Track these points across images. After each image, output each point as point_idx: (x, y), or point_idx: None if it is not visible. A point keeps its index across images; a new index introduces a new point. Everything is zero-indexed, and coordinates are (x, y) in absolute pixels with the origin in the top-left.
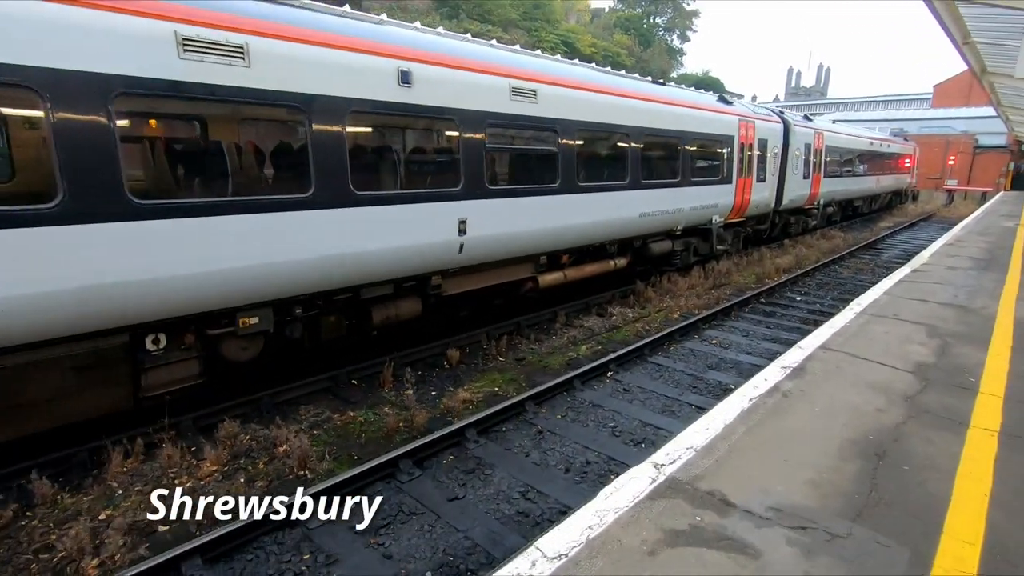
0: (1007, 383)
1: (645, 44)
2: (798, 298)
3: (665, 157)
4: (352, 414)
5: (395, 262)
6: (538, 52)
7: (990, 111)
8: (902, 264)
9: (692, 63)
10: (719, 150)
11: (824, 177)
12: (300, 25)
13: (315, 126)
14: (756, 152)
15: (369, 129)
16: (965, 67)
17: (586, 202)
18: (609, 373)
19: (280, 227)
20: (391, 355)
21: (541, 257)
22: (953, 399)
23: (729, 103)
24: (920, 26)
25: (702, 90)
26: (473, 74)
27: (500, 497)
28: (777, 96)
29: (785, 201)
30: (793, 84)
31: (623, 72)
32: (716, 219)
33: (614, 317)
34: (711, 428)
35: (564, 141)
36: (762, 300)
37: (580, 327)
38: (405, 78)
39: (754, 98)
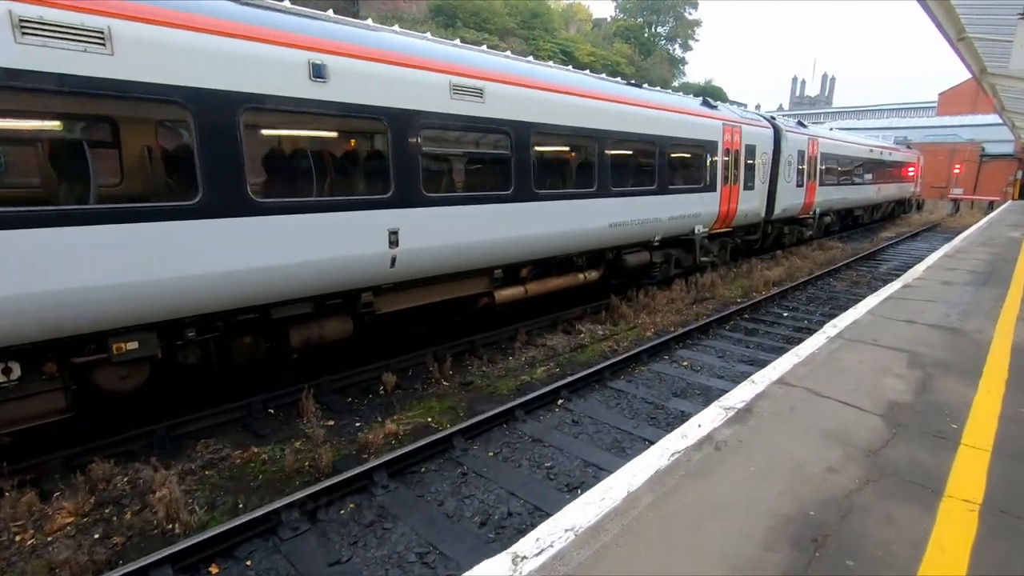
0: (997, 430)
1: (645, 53)
2: (785, 314)
3: (639, 163)
4: (256, 450)
5: (309, 278)
6: (485, 47)
7: (996, 119)
8: (901, 275)
9: (695, 72)
10: (701, 156)
11: (820, 185)
12: (181, 9)
13: (200, 124)
14: (743, 159)
15: (272, 129)
16: (967, 73)
17: (545, 211)
18: (560, 401)
19: (153, 239)
20: (320, 379)
21: (496, 271)
22: (927, 454)
23: (713, 107)
24: (925, 36)
25: (719, 102)
26: (404, 69)
27: (392, 561)
28: (781, 105)
29: (777, 210)
30: (798, 93)
31: (588, 72)
32: (699, 229)
33: (582, 335)
34: (608, 498)
35: (519, 145)
36: (745, 316)
37: (542, 346)
38: (318, 72)
39: (758, 107)
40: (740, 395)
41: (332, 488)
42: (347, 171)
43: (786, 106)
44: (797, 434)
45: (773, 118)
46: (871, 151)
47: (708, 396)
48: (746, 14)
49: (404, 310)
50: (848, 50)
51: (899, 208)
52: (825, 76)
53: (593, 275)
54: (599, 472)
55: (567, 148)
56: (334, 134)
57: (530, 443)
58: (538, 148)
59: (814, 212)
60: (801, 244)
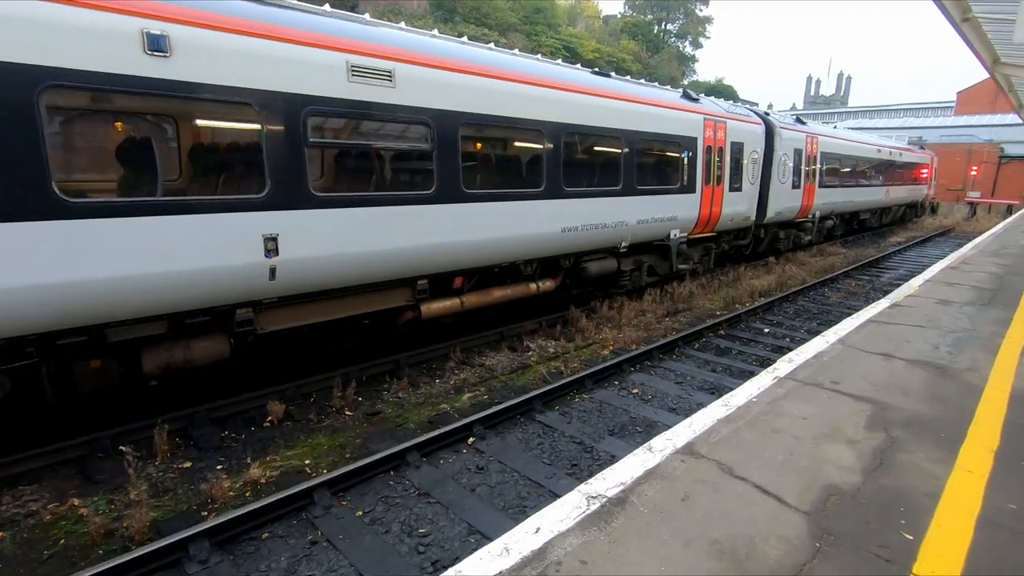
0: (970, 546)
1: (653, 50)
2: (766, 330)
3: (600, 160)
4: (76, 503)
5: (150, 294)
6: (398, 22)
7: (1017, 118)
8: (894, 291)
9: (705, 71)
10: (678, 154)
11: (820, 187)
12: None
13: None
14: (728, 157)
15: (90, 112)
16: (985, 71)
17: (479, 214)
18: (471, 439)
19: None
20: (199, 408)
21: (419, 281)
22: None
23: (694, 99)
24: (945, 34)
25: (702, 95)
26: (279, 44)
27: None
28: (794, 104)
29: (770, 213)
30: (812, 93)
31: (540, 56)
32: (675, 234)
33: (530, 352)
34: None
35: (443, 138)
36: (721, 332)
37: (479, 366)
38: (156, 44)
39: (770, 106)
40: (621, 473)
41: (128, 565)
42: (201, 166)
43: (800, 106)
44: (676, 547)
45: (767, 114)
46: (879, 151)
47: (650, 433)
48: (760, 11)
49: (317, 325)
50: (865, 49)
51: (911, 212)
52: (841, 75)
53: (548, 284)
54: (482, 541)
55: (507, 142)
56: (181, 121)
57: (414, 498)
58: (468, 142)
59: (813, 215)
60: (799, 250)
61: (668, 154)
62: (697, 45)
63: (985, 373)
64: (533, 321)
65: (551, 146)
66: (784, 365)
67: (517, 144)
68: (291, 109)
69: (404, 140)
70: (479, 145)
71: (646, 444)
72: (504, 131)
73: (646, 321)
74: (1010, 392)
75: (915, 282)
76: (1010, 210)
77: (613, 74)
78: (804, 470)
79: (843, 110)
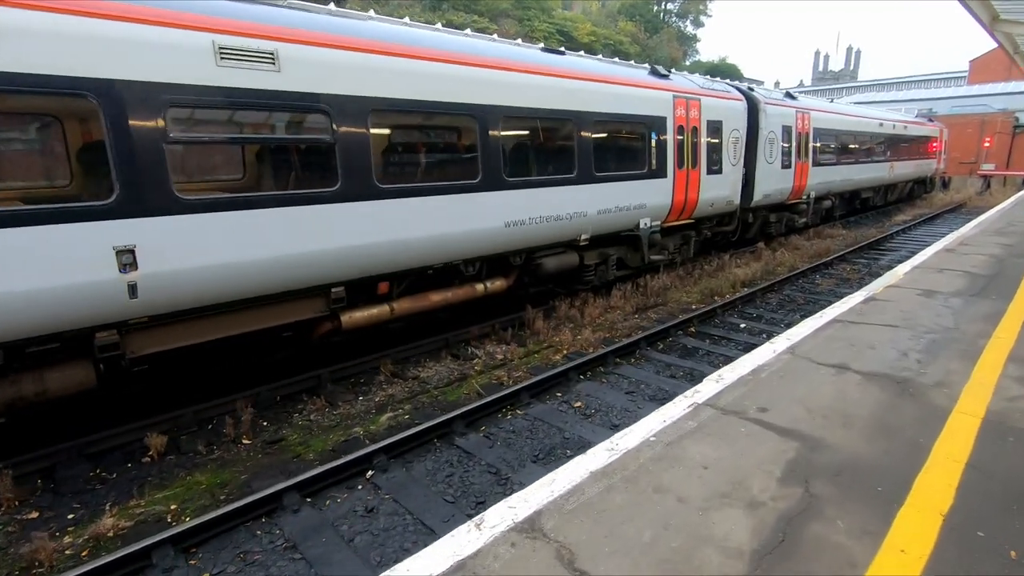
0: None
1: (652, 31)
2: (742, 324)
3: (548, 147)
4: None
5: None
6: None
7: None
8: (873, 280)
9: (708, 50)
10: (643, 135)
11: (814, 166)
12: None
13: None
14: (705, 137)
15: None
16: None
17: (398, 212)
18: (370, 473)
19: None
20: (74, 442)
21: (334, 289)
22: None
23: (663, 76)
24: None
25: (697, 74)
26: (120, 24)
27: None
28: (802, 81)
29: (757, 196)
30: (821, 68)
31: (469, 31)
32: (646, 223)
33: (475, 360)
34: None
35: (347, 127)
36: (691, 329)
37: (412, 379)
38: None
39: (777, 83)
40: (426, 564)
41: None
42: (25, 170)
43: (808, 82)
44: None
45: (751, 88)
46: (880, 125)
47: (630, 434)
48: None
49: (222, 341)
50: (875, 22)
51: (919, 188)
52: (850, 49)
53: (498, 285)
54: None
55: (431, 130)
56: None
57: (279, 552)
58: (382, 131)
59: (807, 196)
60: (793, 233)
61: (632, 136)
62: (698, 24)
63: (957, 389)
64: (485, 324)
65: (487, 132)
66: (708, 386)
67: (444, 131)
68: (143, 100)
69: (295, 131)
70: (396, 134)
71: (477, 518)
72: (427, 117)
73: (612, 320)
74: (983, 416)
75: (901, 269)
76: None
77: (566, 51)
78: (672, 556)
79: (850, 85)
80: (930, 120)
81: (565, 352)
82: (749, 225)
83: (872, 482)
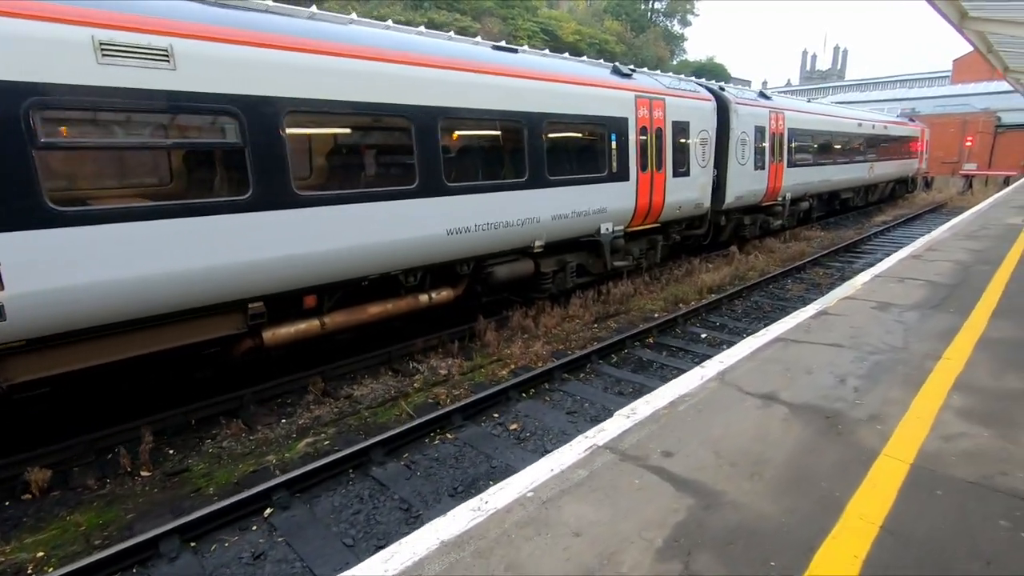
0: None
1: (638, 30)
2: (703, 335)
3: (495, 149)
4: None
5: None
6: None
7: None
8: (829, 291)
9: (696, 49)
10: (602, 137)
11: (789, 167)
12: None
13: None
14: (669, 138)
15: None
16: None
17: (320, 221)
18: (268, 511)
19: None
20: None
21: (252, 304)
22: None
23: (626, 75)
24: None
25: (667, 74)
26: None
27: None
28: (790, 80)
29: (729, 199)
30: (808, 68)
31: (423, 28)
32: (607, 228)
33: (417, 376)
34: None
35: (257, 131)
36: (649, 340)
37: (344, 398)
38: None
39: (764, 83)
40: None
41: None
42: None
43: (796, 81)
44: None
45: (722, 88)
46: (859, 125)
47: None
48: None
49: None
50: (862, 21)
51: (901, 188)
52: (837, 49)
53: (445, 295)
54: None
55: (358, 132)
56: None
57: None
58: (300, 134)
59: (783, 198)
60: (768, 235)
61: (590, 138)
62: (686, 23)
63: (891, 425)
64: (431, 336)
65: (424, 135)
66: (616, 423)
67: (374, 134)
68: (4, 102)
69: (197, 135)
70: (317, 138)
71: None
72: (354, 119)
73: (569, 330)
74: (912, 461)
75: (860, 279)
76: (1007, 181)
77: (521, 48)
78: None
79: (836, 84)
80: (911, 120)
81: (513, 366)
82: (722, 228)
83: (767, 553)
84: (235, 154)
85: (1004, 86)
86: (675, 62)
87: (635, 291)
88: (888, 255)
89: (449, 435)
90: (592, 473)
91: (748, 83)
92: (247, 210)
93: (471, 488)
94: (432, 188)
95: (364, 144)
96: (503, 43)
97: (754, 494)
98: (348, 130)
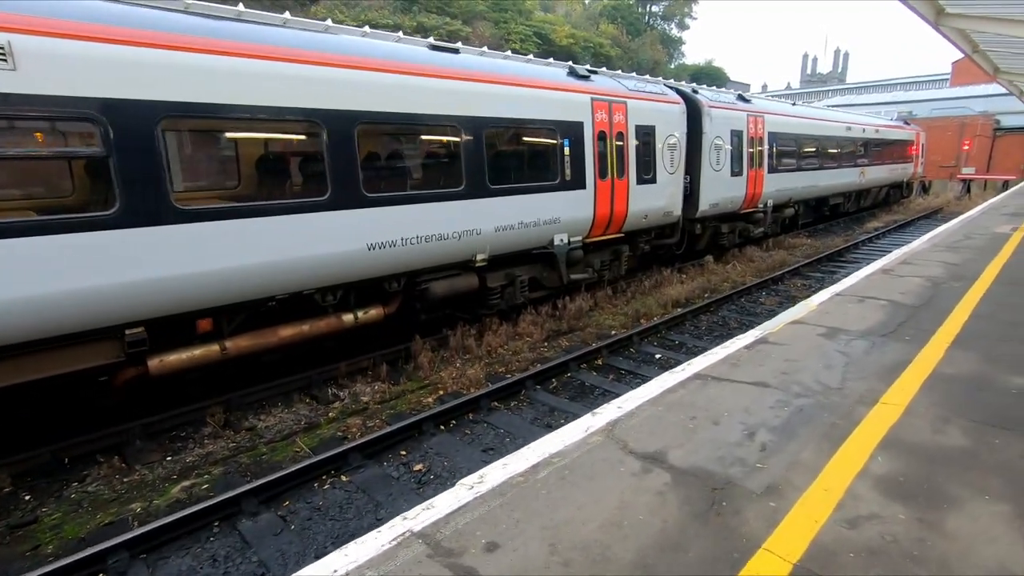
0: None
1: (635, 34)
2: (658, 355)
3: (426, 156)
4: None
5: None
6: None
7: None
8: (780, 312)
9: (694, 53)
10: (554, 143)
11: (770, 172)
12: None
13: None
14: (632, 143)
15: None
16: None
17: (205, 238)
18: None
19: None
20: None
21: (128, 331)
22: None
23: (584, 77)
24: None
25: (590, 68)
26: None
27: None
28: (789, 84)
29: (703, 206)
30: (809, 71)
31: (367, 28)
32: (561, 239)
33: (336, 404)
34: None
35: (124, 138)
36: (599, 361)
37: (246, 431)
38: None
39: (764, 87)
40: None
41: None
42: None
43: (796, 84)
44: None
45: (695, 90)
46: (848, 128)
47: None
48: None
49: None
50: (863, 24)
51: (896, 193)
52: (838, 52)
53: (374, 314)
54: None
55: (254, 140)
56: None
57: None
58: (181, 142)
59: (764, 204)
60: (750, 244)
61: (539, 144)
62: (684, 27)
63: (789, 500)
64: (363, 358)
65: (337, 142)
66: (450, 497)
67: (272, 141)
68: None
69: (47, 143)
70: (201, 146)
71: None
72: (247, 124)
73: (515, 349)
74: (799, 558)
75: (816, 298)
76: (1006, 186)
77: (463, 48)
78: None
79: (835, 88)
80: (907, 123)
81: (442, 392)
82: (698, 237)
83: None
84: (97, 164)
85: (1003, 88)
86: (672, 66)
87: (595, 305)
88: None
89: (344, 477)
90: None
91: (747, 87)
92: (113, 227)
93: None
94: (348, 200)
95: (262, 152)
96: (458, 44)
97: None
98: (241, 136)
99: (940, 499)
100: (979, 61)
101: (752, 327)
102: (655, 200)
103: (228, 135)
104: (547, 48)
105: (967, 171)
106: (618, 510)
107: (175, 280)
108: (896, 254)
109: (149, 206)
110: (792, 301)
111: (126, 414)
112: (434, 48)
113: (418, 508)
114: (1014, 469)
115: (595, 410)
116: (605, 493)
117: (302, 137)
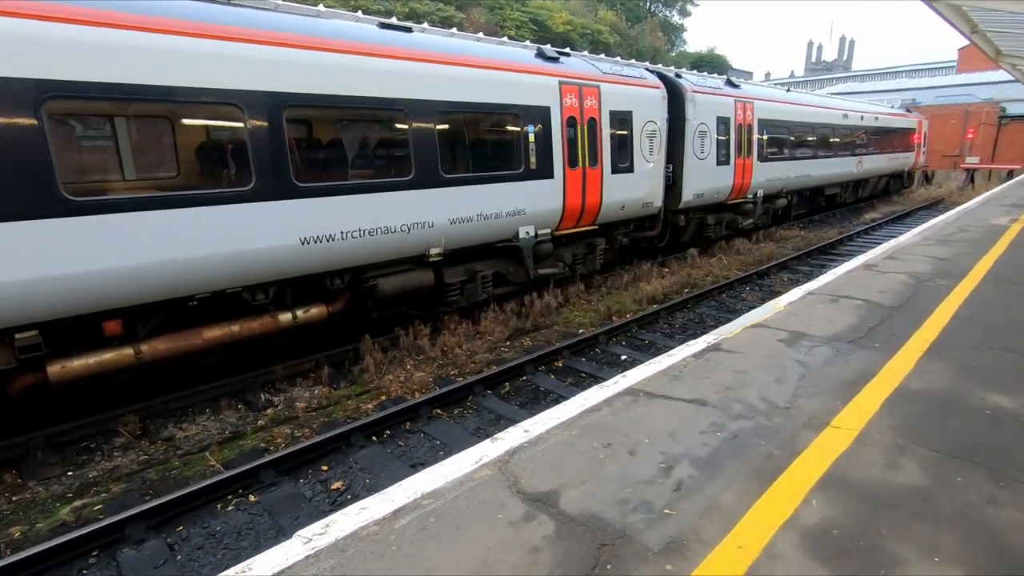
0: None
1: (635, 20)
2: (624, 356)
3: (368, 143)
4: None
5: None
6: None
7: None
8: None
9: (696, 40)
10: (516, 129)
11: (760, 161)
12: None
13: None
14: (606, 130)
15: None
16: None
17: (105, 232)
18: None
19: None
20: None
21: (18, 336)
22: None
23: (552, 59)
24: None
25: (629, 61)
26: None
27: None
28: (793, 72)
29: (687, 196)
30: (814, 59)
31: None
32: (527, 232)
33: (270, 411)
34: None
35: (12, 118)
36: (558, 362)
37: (163, 440)
38: None
39: (767, 75)
40: None
41: None
42: None
43: (800, 72)
44: None
45: (678, 75)
46: (844, 116)
47: None
48: None
49: None
50: (869, 10)
51: (897, 183)
52: (843, 39)
53: (316, 312)
54: None
55: (158, 122)
56: None
57: None
58: (68, 125)
59: (753, 195)
60: (739, 236)
61: (500, 130)
62: (685, 13)
63: (692, 562)
64: (298, 361)
65: (262, 126)
66: (278, 555)
67: (183, 126)
68: None
69: None
70: (96, 129)
71: None
72: (155, 107)
73: (473, 349)
74: None
75: (785, 298)
76: (1011, 175)
77: (416, 27)
78: None
79: (837, 76)
80: (909, 111)
81: (384, 398)
82: (682, 229)
83: None
84: None
85: (1008, 75)
86: (674, 53)
87: (566, 302)
88: (871, 259)
89: (252, 496)
90: None
91: (750, 75)
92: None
93: None
94: (276, 190)
95: (170, 137)
96: (424, 24)
97: None
98: (144, 119)
99: (878, 561)
100: (980, 43)
101: (727, 320)
102: (633, 190)
103: (124, 117)
104: (544, 35)
105: (971, 160)
106: (476, 571)
107: (64, 280)
108: (881, 248)
109: (28, 198)
110: (778, 294)
111: (33, 423)
112: (383, 27)
113: (238, 568)
114: (973, 520)
115: (496, 435)
116: (468, 549)
117: (218, 122)
